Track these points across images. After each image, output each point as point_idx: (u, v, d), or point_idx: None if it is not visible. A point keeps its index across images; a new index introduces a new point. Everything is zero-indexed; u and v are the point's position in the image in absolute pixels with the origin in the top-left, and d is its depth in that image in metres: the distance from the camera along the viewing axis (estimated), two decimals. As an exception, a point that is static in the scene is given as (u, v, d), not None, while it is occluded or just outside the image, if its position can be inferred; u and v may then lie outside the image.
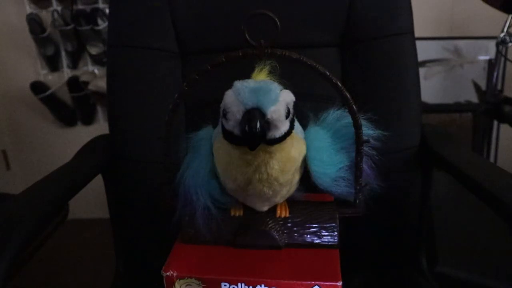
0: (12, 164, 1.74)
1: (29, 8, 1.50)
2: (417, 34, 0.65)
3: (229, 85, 0.39)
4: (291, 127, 0.40)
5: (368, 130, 0.43)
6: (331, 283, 0.38)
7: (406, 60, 0.64)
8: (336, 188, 0.43)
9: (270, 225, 0.44)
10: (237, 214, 0.45)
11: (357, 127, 0.41)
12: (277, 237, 0.43)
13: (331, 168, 0.42)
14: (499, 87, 1.31)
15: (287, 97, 0.38)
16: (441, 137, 0.65)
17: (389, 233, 0.67)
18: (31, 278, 1.33)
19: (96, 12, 1.47)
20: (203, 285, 0.40)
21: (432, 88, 1.42)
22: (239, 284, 0.40)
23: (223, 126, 0.39)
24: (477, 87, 1.41)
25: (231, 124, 0.37)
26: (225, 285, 0.40)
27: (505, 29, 1.09)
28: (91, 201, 1.32)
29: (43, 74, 1.60)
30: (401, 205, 0.66)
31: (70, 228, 1.19)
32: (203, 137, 0.45)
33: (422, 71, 1.39)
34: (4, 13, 1.55)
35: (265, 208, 0.44)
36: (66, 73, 1.60)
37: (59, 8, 1.49)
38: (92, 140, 0.69)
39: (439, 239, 0.81)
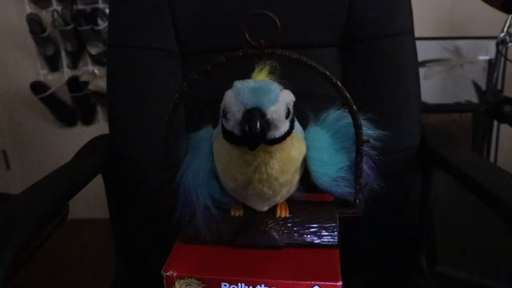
0: (12, 164, 1.74)
1: (29, 8, 1.50)
2: (417, 34, 0.65)
3: (229, 85, 0.39)
4: (291, 127, 0.40)
5: (368, 130, 0.43)
6: (331, 283, 0.38)
7: (406, 60, 0.64)
8: (336, 188, 0.43)
9: (270, 225, 0.44)
10: (237, 214, 0.45)
11: (357, 127, 0.41)
12: (277, 237, 0.43)
13: (331, 168, 0.42)
14: (499, 87, 1.31)
15: (287, 97, 0.38)
16: (441, 137, 0.65)
17: (389, 233, 0.67)
18: (31, 278, 1.33)
19: (96, 12, 1.47)
20: (203, 285, 0.40)
21: (432, 88, 1.42)
22: (239, 284, 0.40)
23: (223, 126, 0.39)
24: (477, 87, 1.41)
25: (231, 124, 0.37)
26: (225, 285, 0.40)
27: (505, 29, 1.09)
28: (91, 201, 1.33)
29: (43, 74, 1.60)
30: (401, 205, 0.66)
31: (70, 228, 1.19)
32: (203, 137, 0.45)
33: (422, 71, 1.39)
34: (4, 13, 1.55)
35: (265, 208, 0.44)
36: (66, 73, 1.60)
37: (59, 8, 1.49)
38: (92, 140, 0.69)
39: (439, 239, 0.81)
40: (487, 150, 1.38)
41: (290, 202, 0.45)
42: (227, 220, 0.44)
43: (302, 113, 0.44)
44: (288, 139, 0.39)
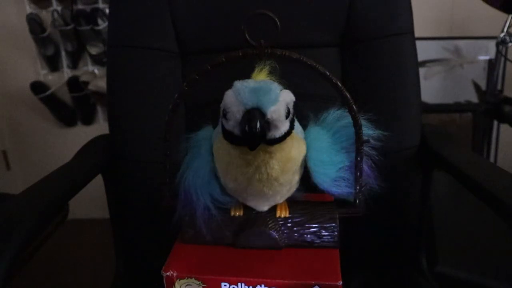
0: (12, 164, 1.74)
1: (29, 8, 1.50)
2: (417, 34, 0.65)
3: (229, 85, 0.39)
4: (291, 127, 0.40)
5: (368, 130, 0.43)
6: (331, 283, 0.38)
7: (406, 60, 0.64)
8: (336, 188, 0.43)
9: (270, 225, 0.44)
10: (237, 214, 0.45)
11: (357, 127, 0.41)
12: (277, 237, 0.43)
13: (331, 168, 0.42)
14: (499, 87, 1.31)
15: (287, 97, 0.38)
16: (441, 137, 0.65)
17: (389, 233, 0.67)
18: (31, 278, 1.33)
19: (96, 12, 1.47)
20: (203, 285, 0.40)
21: (432, 88, 1.42)
22: (239, 284, 0.40)
23: (223, 126, 0.39)
24: (477, 87, 1.41)
25: (231, 124, 0.37)
26: (225, 285, 0.40)
27: (505, 29, 1.09)
28: (91, 201, 1.32)
29: (43, 74, 1.60)
30: (401, 205, 0.66)
31: (70, 228, 1.19)
32: (203, 137, 0.45)
33: (422, 71, 1.39)
34: (4, 13, 1.55)
35: (265, 208, 0.44)
36: (66, 73, 1.60)
37: (59, 8, 1.49)
38: (92, 140, 0.69)
39: (439, 239, 0.81)
40: (487, 150, 1.38)
41: (290, 202, 0.45)
42: (227, 220, 0.44)
43: (302, 113, 0.44)
44: (288, 139, 0.39)
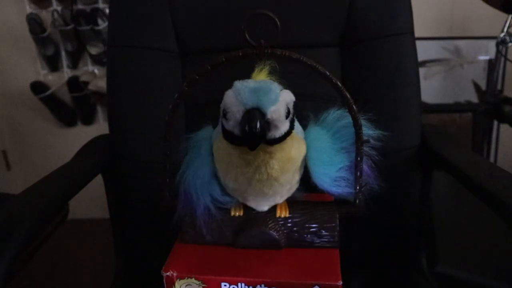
0: (12, 164, 1.74)
1: (29, 8, 1.50)
2: (417, 34, 0.65)
3: (229, 85, 0.39)
4: (291, 127, 0.40)
5: (368, 130, 0.43)
6: (331, 283, 0.38)
7: (406, 60, 0.64)
8: (336, 188, 0.43)
9: (270, 225, 0.44)
10: (237, 214, 0.45)
11: (357, 127, 0.41)
12: (277, 237, 0.43)
13: (331, 168, 0.42)
14: (499, 87, 1.31)
15: (287, 97, 0.38)
16: (441, 137, 0.65)
17: (389, 233, 0.67)
18: (31, 278, 1.33)
19: (96, 12, 1.47)
20: (203, 285, 0.40)
21: (432, 88, 1.42)
22: (239, 284, 0.40)
23: (223, 126, 0.39)
24: (477, 87, 1.41)
25: (231, 124, 0.37)
26: (225, 285, 0.40)
27: (505, 29, 1.09)
28: (91, 201, 1.32)
29: (43, 74, 1.60)
30: (401, 205, 0.66)
31: (70, 228, 1.18)
32: (203, 137, 0.45)
33: (422, 71, 1.39)
34: (4, 13, 1.55)
35: (265, 208, 0.44)
36: (66, 73, 1.60)
37: (59, 8, 1.49)
38: (92, 140, 0.69)
39: (439, 239, 0.81)
40: (487, 150, 1.38)
41: (290, 202, 0.45)
42: (227, 220, 0.44)
43: (302, 113, 0.44)
44: (288, 139, 0.39)
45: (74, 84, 1.57)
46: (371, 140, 0.43)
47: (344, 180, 0.43)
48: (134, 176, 0.66)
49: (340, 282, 0.39)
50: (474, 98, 1.42)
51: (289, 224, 0.44)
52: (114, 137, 0.67)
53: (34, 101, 1.58)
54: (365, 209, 0.45)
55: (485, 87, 1.40)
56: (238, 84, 0.38)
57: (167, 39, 0.66)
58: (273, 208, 0.45)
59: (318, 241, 0.44)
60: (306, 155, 0.42)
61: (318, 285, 0.38)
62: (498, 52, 1.17)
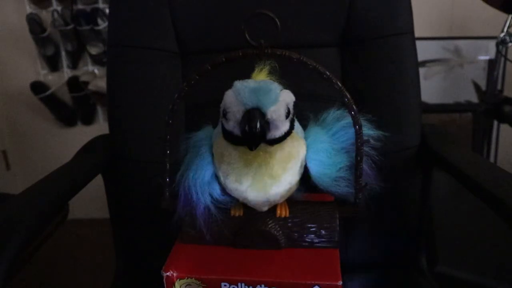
0: (12, 164, 1.74)
1: (29, 8, 1.50)
2: (417, 34, 0.65)
3: (229, 85, 0.39)
4: (291, 127, 0.40)
5: (368, 130, 0.43)
6: (331, 283, 0.38)
7: (406, 60, 0.64)
8: (336, 188, 0.43)
9: (270, 225, 0.44)
10: (237, 214, 0.45)
11: (357, 127, 0.41)
12: (277, 237, 0.43)
13: (331, 168, 0.42)
14: (499, 87, 1.31)
15: (287, 97, 0.38)
16: (441, 137, 0.65)
17: (389, 232, 0.67)
18: (31, 278, 1.33)
19: (96, 12, 1.47)
20: (203, 285, 0.40)
21: (432, 88, 1.42)
22: (239, 284, 0.40)
23: (223, 126, 0.39)
24: (477, 87, 1.41)
25: (231, 124, 0.37)
26: (225, 285, 0.40)
27: (505, 29, 1.09)
28: (91, 201, 1.33)
29: (43, 74, 1.60)
30: (401, 205, 0.66)
31: (70, 228, 1.19)
32: (203, 137, 0.45)
33: (422, 71, 1.39)
34: (4, 13, 1.55)
35: (265, 208, 0.44)
36: (66, 73, 1.60)
37: (59, 8, 1.49)
38: (92, 140, 0.69)
39: (439, 239, 0.81)
40: (487, 150, 1.37)
41: (290, 202, 0.45)
42: (227, 220, 0.44)
43: (302, 113, 0.44)
44: (288, 139, 0.39)
45: (74, 84, 1.57)
46: (371, 140, 0.43)
47: (344, 180, 0.43)
48: (134, 176, 0.66)
49: (340, 282, 0.39)
50: (474, 98, 1.42)
51: (289, 224, 0.44)
52: (114, 137, 0.67)
53: (34, 101, 1.58)
54: (365, 209, 0.45)
55: (485, 87, 1.40)
56: (238, 84, 0.38)
57: (167, 39, 0.66)
58: (273, 208, 0.45)
59: (318, 241, 0.44)
60: (306, 155, 0.42)
61: (318, 285, 0.38)
62: (498, 52, 1.17)
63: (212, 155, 0.42)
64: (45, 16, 1.52)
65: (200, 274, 0.40)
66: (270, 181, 0.40)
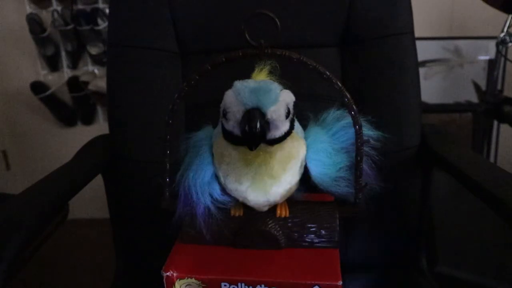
0: (12, 164, 1.74)
1: (29, 8, 1.50)
2: (417, 34, 0.65)
3: (229, 85, 0.39)
4: (291, 127, 0.40)
5: (368, 131, 0.43)
6: (331, 283, 0.38)
7: (406, 60, 0.64)
8: (336, 188, 0.43)
9: (270, 225, 0.44)
10: (237, 214, 0.45)
11: (357, 127, 0.41)
12: (277, 237, 0.43)
13: (331, 168, 0.42)
14: (499, 87, 1.31)
15: (287, 97, 0.38)
16: (441, 137, 0.65)
17: (389, 232, 0.67)
18: (31, 278, 1.33)
19: (96, 12, 1.47)
20: (203, 285, 0.40)
21: (432, 88, 1.42)
22: (239, 284, 0.40)
23: (223, 126, 0.39)
24: (477, 87, 1.41)
25: (231, 124, 0.37)
26: (225, 285, 0.40)
27: (505, 29, 1.09)
28: (91, 201, 1.33)
29: (43, 74, 1.60)
30: (401, 205, 0.66)
31: (70, 228, 1.19)
32: (203, 137, 0.45)
33: (422, 71, 1.39)
34: (4, 13, 1.55)
35: (265, 208, 0.44)
36: (66, 73, 1.60)
37: (59, 8, 1.49)
38: (92, 140, 0.69)
39: (439, 239, 0.81)
40: (487, 150, 1.37)
41: (290, 202, 0.45)
42: (227, 220, 0.44)
43: (302, 113, 0.44)
44: (288, 139, 0.39)
45: (74, 84, 1.57)
46: (371, 140, 0.43)
47: (344, 180, 0.43)
48: (134, 176, 0.66)
49: (340, 282, 0.39)
50: (474, 98, 1.42)
51: (289, 224, 0.44)
52: (114, 137, 0.67)
53: (34, 101, 1.58)
54: (365, 209, 0.45)
55: (485, 87, 1.40)
56: (238, 84, 0.38)
57: (167, 39, 0.66)
58: (273, 208, 0.45)
59: (318, 241, 0.44)
60: (306, 155, 0.42)
61: (318, 285, 0.38)
62: (498, 52, 1.17)
63: (212, 155, 0.42)
64: (45, 16, 1.52)
65: (200, 274, 0.40)
66: (270, 181, 0.40)
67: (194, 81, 0.41)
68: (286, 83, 0.40)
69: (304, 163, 0.42)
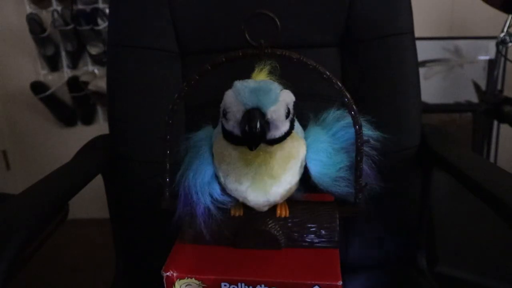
0: (12, 164, 1.74)
1: (29, 8, 1.50)
2: (417, 34, 0.65)
3: (229, 85, 0.39)
4: (291, 127, 0.40)
5: (368, 131, 0.43)
6: (331, 283, 0.38)
7: (406, 60, 0.64)
8: (336, 188, 0.43)
9: (270, 225, 0.44)
10: (237, 214, 0.45)
11: (357, 127, 0.41)
12: (277, 237, 0.43)
13: (331, 168, 0.42)
14: (499, 87, 1.31)
15: (287, 97, 0.38)
16: (441, 137, 0.65)
17: (389, 233, 0.67)
18: (31, 278, 1.33)
19: (96, 12, 1.47)
20: (203, 285, 0.40)
21: (432, 88, 1.42)
22: (239, 284, 0.40)
23: (223, 126, 0.39)
24: (477, 87, 1.41)
25: (231, 124, 0.37)
26: (225, 285, 0.40)
27: (505, 29, 1.09)
28: (91, 201, 1.33)
29: (43, 74, 1.60)
30: (401, 205, 0.66)
31: (70, 228, 1.18)
32: (203, 137, 0.45)
33: (422, 71, 1.39)
34: (4, 13, 1.55)
35: (265, 208, 0.44)
36: (66, 73, 1.60)
37: (59, 8, 1.49)
38: (92, 140, 0.69)
39: (439, 239, 0.81)
40: (487, 150, 1.37)
41: (290, 202, 0.45)
42: (227, 220, 0.44)
43: (302, 113, 0.44)
44: (288, 139, 0.39)
45: (74, 84, 1.57)
46: (371, 140, 0.43)
47: (344, 180, 0.43)
48: (134, 176, 0.66)
49: (340, 282, 0.39)
50: (474, 98, 1.42)
51: (289, 224, 0.44)
52: (114, 137, 0.67)
53: (34, 101, 1.58)
54: (365, 209, 0.45)
55: (485, 87, 1.40)
56: (238, 84, 0.38)
57: (167, 39, 0.66)
58: (273, 208, 0.45)
59: (318, 241, 0.44)
60: (306, 155, 0.42)
61: (318, 285, 0.38)
62: (498, 52, 1.17)
63: (212, 155, 0.42)
64: (45, 16, 1.52)
65: (200, 274, 0.40)
66: (270, 181, 0.40)
67: (194, 81, 0.41)
68: (286, 83, 0.40)
69: (304, 163, 0.42)
